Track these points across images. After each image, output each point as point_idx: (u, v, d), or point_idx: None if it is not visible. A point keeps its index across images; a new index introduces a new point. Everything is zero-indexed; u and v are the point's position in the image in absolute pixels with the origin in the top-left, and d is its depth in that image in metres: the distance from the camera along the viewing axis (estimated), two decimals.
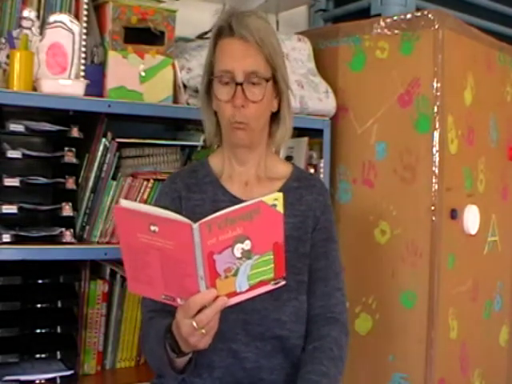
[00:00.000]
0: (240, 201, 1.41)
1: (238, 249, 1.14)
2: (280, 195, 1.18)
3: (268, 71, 1.43)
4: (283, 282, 1.21)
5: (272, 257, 1.18)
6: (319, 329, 1.43)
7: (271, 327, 1.39)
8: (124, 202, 1.17)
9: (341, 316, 1.46)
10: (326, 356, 1.38)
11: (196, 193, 1.49)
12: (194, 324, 1.17)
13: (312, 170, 2.17)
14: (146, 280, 1.18)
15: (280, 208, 1.17)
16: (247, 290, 1.18)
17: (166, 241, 1.13)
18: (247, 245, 1.15)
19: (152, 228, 1.12)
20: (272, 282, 1.20)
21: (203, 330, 1.18)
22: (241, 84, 1.39)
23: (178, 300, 1.18)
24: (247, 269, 1.16)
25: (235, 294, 1.17)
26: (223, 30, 1.43)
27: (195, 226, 1.11)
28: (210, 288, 1.14)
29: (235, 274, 1.15)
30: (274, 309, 1.39)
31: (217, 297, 1.16)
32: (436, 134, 2.02)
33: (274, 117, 1.51)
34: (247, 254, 1.15)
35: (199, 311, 1.16)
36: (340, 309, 1.46)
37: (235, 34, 1.41)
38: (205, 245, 1.11)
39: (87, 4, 1.79)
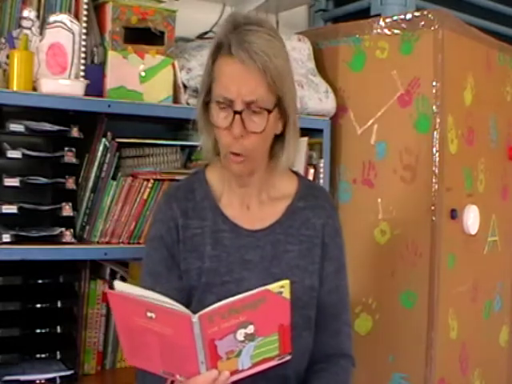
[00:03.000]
0: (241, 229, 1.36)
1: (241, 333, 1.09)
2: (287, 282, 1.11)
3: (271, 100, 1.26)
4: (288, 357, 1.16)
5: (277, 337, 1.13)
6: (329, 362, 1.39)
7: (275, 367, 1.31)
8: (118, 286, 1.11)
9: (349, 351, 1.42)
10: (331, 377, 1.36)
11: (194, 219, 1.37)
12: None
13: (312, 170, 2.17)
14: (145, 357, 1.15)
15: (287, 294, 1.11)
16: (250, 368, 1.14)
17: (164, 327, 1.08)
18: (250, 329, 1.10)
19: (149, 314, 1.08)
20: (277, 358, 1.15)
21: None
22: (239, 113, 1.24)
23: (178, 376, 1.14)
24: (250, 350, 1.12)
25: (237, 371, 1.13)
26: (222, 47, 1.26)
27: (195, 318, 1.05)
28: (211, 369, 1.10)
29: (238, 355, 1.11)
30: None
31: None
32: (436, 134, 2.02)
33: (278, 138, 1.35)
34: (250, 337, 1.10)
35: None
36: (349, 344, 1.42)
37: (234, 56, 1.24)
38: (205, 334, 1.07)
39: (87, 4, 1.79)
